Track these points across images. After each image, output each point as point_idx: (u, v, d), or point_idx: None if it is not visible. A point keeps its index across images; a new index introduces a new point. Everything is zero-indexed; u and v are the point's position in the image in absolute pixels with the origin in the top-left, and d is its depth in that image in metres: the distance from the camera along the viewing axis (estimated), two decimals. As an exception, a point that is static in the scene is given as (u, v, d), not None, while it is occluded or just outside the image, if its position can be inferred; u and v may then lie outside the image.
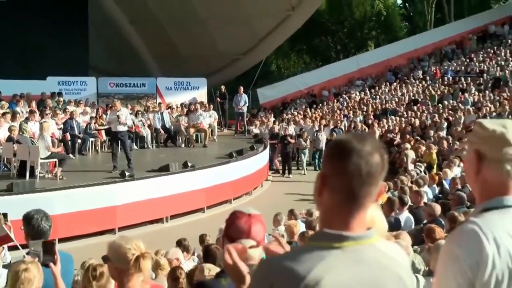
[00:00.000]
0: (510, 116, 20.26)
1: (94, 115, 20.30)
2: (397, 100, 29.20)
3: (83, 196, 13.40)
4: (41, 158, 13.88)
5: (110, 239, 3.67)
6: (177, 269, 6.39)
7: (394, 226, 8.74)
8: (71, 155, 17.06)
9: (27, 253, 4.17)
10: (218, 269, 4.51)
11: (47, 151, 14.08)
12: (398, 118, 25.02)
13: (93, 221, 13.22)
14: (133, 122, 20.48)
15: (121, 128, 15.40)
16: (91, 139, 18.75)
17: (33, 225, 4.31)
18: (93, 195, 13.58)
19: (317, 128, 24.09)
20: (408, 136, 21.23)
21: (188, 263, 8.14)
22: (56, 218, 11.99)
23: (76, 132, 17.93)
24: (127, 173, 14.44)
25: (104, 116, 19.70)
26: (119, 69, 31.35)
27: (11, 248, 6.61)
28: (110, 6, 32.15)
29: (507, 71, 29.20)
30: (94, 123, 19.34)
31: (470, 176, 2.23)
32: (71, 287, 5.18)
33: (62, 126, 17.86)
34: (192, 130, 21.71)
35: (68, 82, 24.23)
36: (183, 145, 21.41)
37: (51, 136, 14.95)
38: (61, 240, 12.29)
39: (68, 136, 17.59)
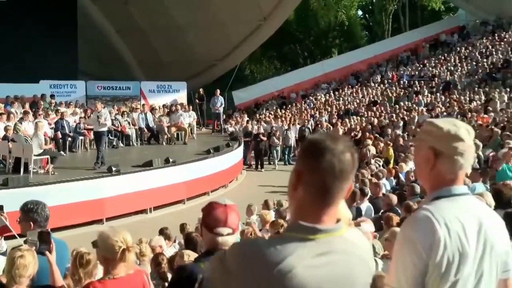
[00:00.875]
0: (458, 116, 20.49)
1: (83, 115, 20.22)
2: (358, 101, 29.36)
3: (73, 189, 13.32)
4: (34, 155, 13.78)
5: (99, 229, 3.66)
6: (159, 255, 6.39)
7: (356, 215, 8.81)
8: (62, 152, 16.90)
9: (25, 242, 4.13)
10: (196, 255, 4.51)
11: (39, 149, 13.98)
12: (359, 118, 25.13)
13: (83, 212, 13.15)
14: (119, 122, 20.48)
15: (101, 128, 15.32)
16: (81, 137, 18.62)
17: (40, 212, 4.28)
18: (82, 189, 13.50)
19: (286, 127, 24.21)
20: (368, 134, 21.35)
21: (170, 250, 8.11)
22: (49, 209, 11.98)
23: (67, 131, 17.78)
24: (113, 168, 14.37)
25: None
26: (106, 73, 31.30)
27: (6, 238, 6.57)
28: (97, 16, 32.11)
29: (456, 76, 29.55)
30: (83, 123, 19.18)
31: (424, 171, 2.25)
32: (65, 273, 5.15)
33: (53, 125, 17.70)
34: (173, 129, 21.68)
35: (59, 85, 23.98)
36: (164, 143, 21.31)
37: (43, 135, 14.88)
38: (53, 230, 12.15)
39: (59, 135, 17.44)
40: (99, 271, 4.31)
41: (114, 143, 19.98)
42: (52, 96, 22.22)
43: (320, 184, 1.81)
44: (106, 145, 19.02)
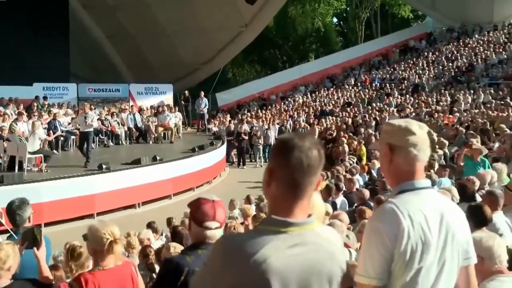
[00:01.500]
0: (426, 116, 20.66)
1: (75, 116, 20.02)
2: (333, 102, 29.43)
3: (65, 186, 13.22)
4: (29, 153, 13.71)
5: (90, 223, 3.64)
6: (147, 247, 6.38)
7: (332, 208, 8.82)
8: (55, 151, 16.81)
9: (8, 237, 4.10)
10: (182, 247, 4.51)
11: (38, 146, 14.02)
12: (334, 118, 25.12)
13: (75, 207, 13.07)
14: (109, 122, 20.38)
15: (88, 129, 15.23)
16: (72, 137, 18.43)
17: (20, 214, 4.25)
18: (74, 185, 13.40)
19: (267, 127, 24.21)
20: (342, 133, 21.41)
21: (157, 243, 8.09)
22: (42, 205, 11.94)
23: (59, 131, 17.63)
24: (104, 166, 14.30)
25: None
26: (96, 76, 31.13)
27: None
28: (88, 23, 31.89)
29: (424, 79, 29.75)
30: (70, 122, 19.08)
31: (384, 166, 2.30)
32: (52, 264, 5.11)
33: (46, 126, 17.54)
34: (160, 129, 21.62)
35: (52, 88, 23.83)
36: (152, 142, 21.23)
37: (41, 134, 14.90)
38: (47, 224, 12.15)
39: (52, 134, 17.29)
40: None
41: (105, 142, 19.90)
42: (44, 98, 22.12)
43: (290, 179, 1.84)
44: (96, 144, 19.25)
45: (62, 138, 17.85)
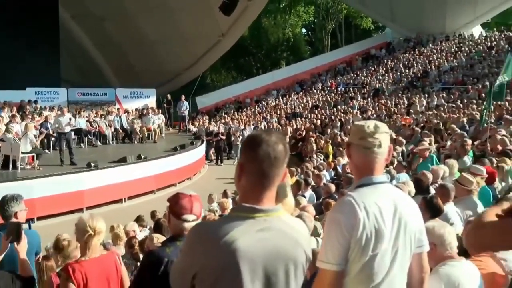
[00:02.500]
0: (386, 117, 20.87)
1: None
2: (303, 105, 29.47)
3: (56, 183, 13.05)
4: (22, 153, 13.54)
5: (80, 216, 3.60)
6: (132, 238, 6.34)
7: (305, 201, 8.84)
8: (46, 151, 16.58)
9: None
10: (164, 238, 4.48)
11: (31, 146, 13.79)
12: (303, 119, 25.21)
13: (65, 202, 12.91)
14: (97, 124, 20.23)
15: (67, 129, 15.08)
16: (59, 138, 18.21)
17: (6, 209, 4.17)
18: (64, 182, 13.25)
19: (242, 127, 24.22)
20: (311, 133, 21.51)
21: (142, 234, 8.03)
22: (35, 201, 11.78)
23: (51, 132, 17.38)
24: (92, 164, 14.15)
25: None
26: (85, 81, 30.94)
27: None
28: (77, 31, 31.64)
29: (383, 84, 29.99)
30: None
31: (350, 163, 2.35)
32: (45, 255, 5.03)
33: (39, 127, 17.28)
34: (144, 130, 21.49)
35: (43, 92, 23.52)
36: (136, 142, 21.08)
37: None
38: (40, 218, 12.00)
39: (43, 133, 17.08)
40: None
41: (93, 142, 19.72)
42: (35, 102, 21.93)
43: (259, 171, 1.87)
44: (85, 144, 19.24)
45: (53, 138, 17.60)
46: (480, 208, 5.85)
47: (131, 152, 16.37)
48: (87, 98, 25.19)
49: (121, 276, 3.49)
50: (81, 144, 19.14)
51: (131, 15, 29.32)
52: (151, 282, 2.60)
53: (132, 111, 23.68)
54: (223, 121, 27.02)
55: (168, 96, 27.25)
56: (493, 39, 34.04)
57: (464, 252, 3.61)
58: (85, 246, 3.35)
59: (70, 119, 15.87)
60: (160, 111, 24.45)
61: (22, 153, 13.55)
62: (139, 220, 9.12)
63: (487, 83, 21.69)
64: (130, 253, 5.99)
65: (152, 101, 26.34)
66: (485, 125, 11.28)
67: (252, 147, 1.88)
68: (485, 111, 11.36)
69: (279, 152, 1.87)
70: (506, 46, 30.78)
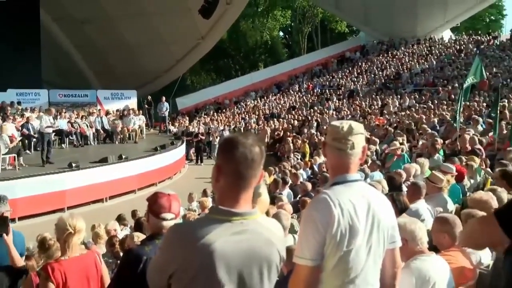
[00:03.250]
0: (360, 118, 21.02)
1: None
2: (280, 106, 29.50)
3: (38, 183, 12.88)
4: (2, 154, 13.37)
5: (60, 215, 3.56)
6: (113, 237, 6.29)
7: (278, 199, 8.84)
8: (27, 151, 16.34)
9: None
10: (144, 236, 4.44)
11: (5, 148, 13.63)
12: (281, 120, 25.26)
13: (47, 202, 12.75)
14: (79, 125, 20.02)
15: (48, 130, 14.92)
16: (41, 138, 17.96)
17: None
18: (46, 182, 13.08)
19: (222, 128, 24.17)
20: (288, 133, 21.57)
21: (123, 233, 7.96)
22: (17, 201, 11.60)
23: (32, 133, 17.13)
24: (73, 164, 13.99)
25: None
26: (66, 83, 30.53)
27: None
28: (58, 34, 31.26)
29: (358, 85, 30.21)
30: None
31: (326, 162, 2.33)
32: (26, 254, 4.95)
33: (20, 128, 17.03)
34: (125, 130, 21.32)
35: (24, 93, 23.17)
36: (118, 142, 20.91)
37: (10, 136, 14.39)
38: (21, 218, 11.80)
39: (26, 132, 16.89)
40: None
41: (74, 143, 19.49)
42: (18, 103, 21.59)
43: (236, 172, 1.86)
44: (66, 144, 19.04)
45: (34, 139, 17.35)
46: (450, 204, 5.93)
47: (112, 153, 16.22)
48: (68, 100, 24.87)
49: (101, 274, 3.45)
50: (63, 145, 18.92)
51: (111, 18, 29.08)
52: (130, 280, 2.58)
53: (113, 112, 23.47)
54: (203, 121, 26.93)
55: (149, 97, 27.08)
56: (462, 43, 34.59)
57: (434, 247, 3.66)
58: (64, 244, 3.31)
59: (51, 121, 15.63)
60: (141, 112, 24.27)
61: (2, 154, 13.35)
62: (120, 219, 9.06)
63: (457, 85, 22.05)
64: (111, 252, 5.95)
65: (132, 102, 26.12)
66: (459, 125, 11.45)
67: (229, 149, 1.87)
68: (457, 112, 11.55)
69: (256, 154, 1.87)
70: (475, 49, 31.29)
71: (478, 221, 2.04)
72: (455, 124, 11.62)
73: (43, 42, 27.04)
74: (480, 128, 12.54)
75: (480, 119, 13.18)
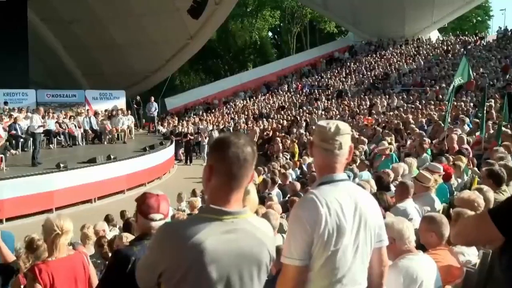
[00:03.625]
0: (349, 118, 21.09)
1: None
2: (269, 106, 29.55)
3: (26, 183, 12.76)
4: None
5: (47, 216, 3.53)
6: (101, 238, 6.24)
7: (268, 199, 8.85)
8: (13, 151, 16.20)
9: None
10: (133, 237, 4.41)
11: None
12: (270, 120, 25.26)
13: (35, 203, 12.63)
14: (67, 125, 19.89)
15: (39, 130, 14.87)
16: (31, 138, 17.81)
17: None
18: (34, 183, 12.97)
19: (211, 128, 24.14)
20: (277, 133, 21.59)
21: (111, 233, 7.91)
22: (4, 202, 11.51)
23: (19, 133, 16.99)
24: (61, 165, 13.88)
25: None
26: (54, 83, 30.39)
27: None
28: (46, 34, 31.05)
29: (346, 85, 30.32)
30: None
31: (314, 161, 2.35)
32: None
33: (7, 128, 16.88)
34: (114, 130, 21.21)
35: (12, 93, 23.03)
36: (106, 142, 20.80)
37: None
38: (8, 220, 11.70)
39: (13, 133, 16.77)
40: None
41: (63, 143, 19.34)
42: (5, 103, 21.40)
43: (228, 172, 1.86)
44: (54, 145, 18.91)
45: (22, 140, 17.21)
46: (438, 203, 5.97)
47: (100, 153, 16.12)
48: (56, 100, 24.71)
49: (89, 275, 3.43)
50: (51, 145, 18.77)
51: (100, 18, 28.93)
52: (118, 280, 2.57)
53: (102, 112, 23.34)
54: (192, 121, 26.88)
55: (138, 97, 27.00)
56: (449, 43, 34.86)
57: (421, 246, 3.68)
58: (52, 245, 3.28)
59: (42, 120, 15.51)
60: (130, 112, 24.14)
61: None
62: (108, 219, 8.99)
63: (444, 85, 22.20)
64: (100, 253, 5.90)
65: (121, 103, 26.00)
66: (448, 125, 11.54)
67: (222, 149, 1.88)
68: (447, 112, 11.66)
69: (248, 154, 1.88)
70: (462, 49, 31.53)
71: (473, 218, 2.06)
72: (443, 124, 11.70)
73: (31, 42, 26.89)
74: (467, 128, 12.63)
75: (467, 119, 13.29)
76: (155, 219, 2.71)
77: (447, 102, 11.75)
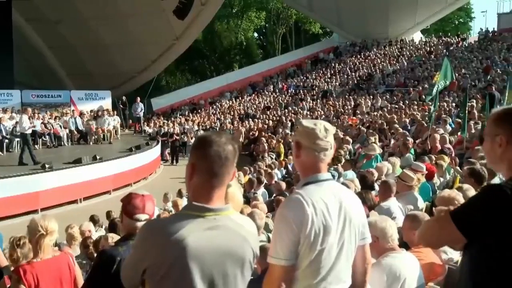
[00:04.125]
0: (334, 118, 21.17)
1: (18, 120, 19.16)
2: (255, 107, 29.59)
3: (11, 184, 12.59)
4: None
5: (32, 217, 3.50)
6: (87, 239, 6.20)
7: (253, 199, 8.85)
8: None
9: None
10: (119, 237, 4.39)
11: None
12: (256, 120, 25.27)
13: (20, 204, 12.46)
14: (52, 125, 19.69)
15: (29, 131, 14.69)
16: (17, 139, 17.57)
17: None
18: (19, 184, 12.79)
19: (197, 128, 24.07)
20: (263, 133, 21.59)
21: (97, 234, 7.85)
22: (-12, 203, 11.31)
23: (4, 134, 16.79)
24: (47, 165, 13.74)
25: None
26: (40, 83, 29.99)
27: None
28: (31, 34, 30.64)
29: (331, 86, 30.46)
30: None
31: (295, 160, 2.36)
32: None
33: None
34: (99, 131, 21.06)
35: (-4, 94, 22.69)
36: (92, 143, 20.64)
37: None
38: (-6, 220, 11.57)
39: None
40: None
41: (48, 144, 19.15)
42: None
43: (210, 170, 1.88)
44: (39, 145, 18.70)
45: (6, 141, 17.01)
46: (420, 202, 6.02)
47: (86, 153, 16.00)
48: (41, 100, 24.39)
49: (74, 276, 3.41)
50: (36, 146, 18.55)
51: (85, 19, 28.63)
52: (104, 280, 2.56)
53: (87, 113, 23.15)
54: (178, 121, 26.78)
55: (124, 97, 26.80)
56: (432, 44, 35.21)
57: (404, 244, 3.72)
58: (36, 246, 3.26)
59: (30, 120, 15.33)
60: (116, 112, 23.98)
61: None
62: (93, 220, 8.93)
63: (427, 86, 22.39)
64: (85, 253, 5.85)
65: (107, 103, 25.78)
66: (431, 125, 11.67)
67: (203, 147, 1.89)
68: (433, 112, 11.81)
69: (229, 152, 1.89)
70: (444, 50, 31.86)
71: (435, 220, 2.06)
72: (429, 123, 11.84)
73: (16, 42, 26.52)
74: (449, 127, 12.76)
75: (449, 119, 13.42)
76: (140, 219, 2.69)
77: (430, 103, 11.85)
